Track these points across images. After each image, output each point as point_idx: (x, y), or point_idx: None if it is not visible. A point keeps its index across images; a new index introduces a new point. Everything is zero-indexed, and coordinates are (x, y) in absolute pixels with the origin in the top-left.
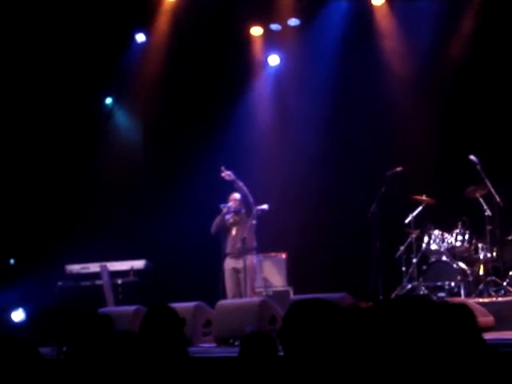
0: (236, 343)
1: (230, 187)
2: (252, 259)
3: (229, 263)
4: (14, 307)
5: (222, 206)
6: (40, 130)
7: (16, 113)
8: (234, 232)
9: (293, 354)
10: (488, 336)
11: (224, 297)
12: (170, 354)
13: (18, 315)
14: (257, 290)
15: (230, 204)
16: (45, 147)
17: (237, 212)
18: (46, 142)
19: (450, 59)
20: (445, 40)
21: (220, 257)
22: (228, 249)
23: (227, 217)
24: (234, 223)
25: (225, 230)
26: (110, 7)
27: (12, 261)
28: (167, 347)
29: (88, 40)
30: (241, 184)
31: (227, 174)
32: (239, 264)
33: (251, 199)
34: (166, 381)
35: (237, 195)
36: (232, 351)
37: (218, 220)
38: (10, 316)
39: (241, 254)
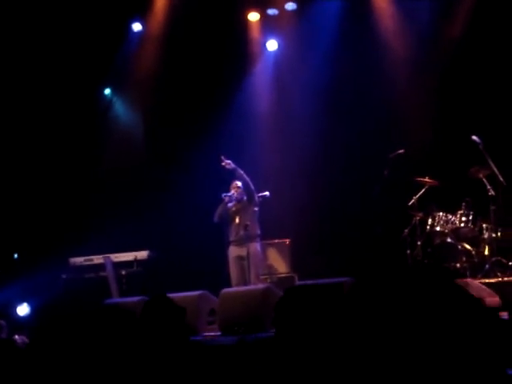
0: (240, 331)
1: (232, 175)
2: (256, 246)
3: (233, 251)
4: (19, 301)
5: (223, 195)
6: (39, 123)
7: (14, 106)
8: (237, 220)
9: (285, 338)
10: None
11: (228, 285)
12: (170, 344)
13: (22, 309)
14: (261, 277)
15: (232, 192)
16: (44, 140)
17: (239, 200)
18: (45, 136)
19: (449, 39)
20: (444, 20)
21: (223, 245)
22: (231, 237)
23: (229, 205)
24: (237, 211)
25: (228, 218)
26: None
27: (15, 255)
28: (167, 337)
29: (84, 30)
30: (241, 172)
31: (227, 163)
32: (243, 251)
33: (252, 187)
34: (168, 370)
35: (238, 183)
36: (236, 339)
37: (220, 209)
38: (14, 310)
39: (244, 241)
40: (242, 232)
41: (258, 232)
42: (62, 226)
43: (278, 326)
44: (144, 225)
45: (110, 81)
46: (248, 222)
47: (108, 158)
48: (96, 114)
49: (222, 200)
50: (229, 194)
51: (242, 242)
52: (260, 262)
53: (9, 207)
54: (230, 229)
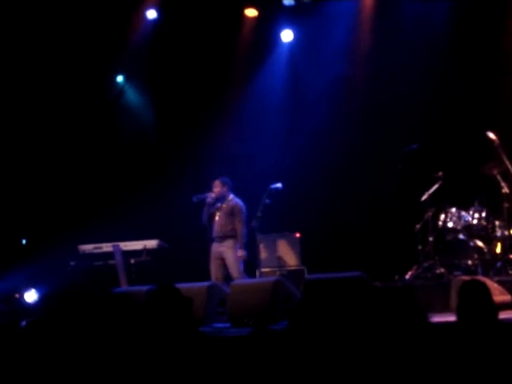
0: (250, 322)
1: (242, 166)
2: (230, 244)
3: (212, 247)
4: (27, 288)
5: (194, 198)
6: (51, 109)
7: (25, 93)
8: (217, 217)
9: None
10: (506, 315)
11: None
12: (177, 334)
13: (30, 296)
14: (270, 269)
15: (209, 193)
16: (56, 127)
17: (219, 198)
18: (57, 122)
19: (465, 34)
20: (463, 16)
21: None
22: (213, 233)
23: (212, 203)
24: (218, 209)
25: (211, 215)
26: None
27: (24, 241)
28: (173, 327)
29: (98, 17)
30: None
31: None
32: (220, 248)
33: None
34: (174, 360)
35: (218, 182)
36: (246, 331)
37: (205, 212)
38: (22, 297)
39: (221, 239)
40: (219, 229)
41: (234, 232)
42: (72, 212)
43: (296, 320)
44: (154, 214)
45: (122, 68)
46: (223, 221)
47: (119, 146)
48: (107, 101)
49: (202, 203)
50: (207, 195)
51: (219, 239)
52: (235, 258)
53: (18, 193)
54: (212, 225)
